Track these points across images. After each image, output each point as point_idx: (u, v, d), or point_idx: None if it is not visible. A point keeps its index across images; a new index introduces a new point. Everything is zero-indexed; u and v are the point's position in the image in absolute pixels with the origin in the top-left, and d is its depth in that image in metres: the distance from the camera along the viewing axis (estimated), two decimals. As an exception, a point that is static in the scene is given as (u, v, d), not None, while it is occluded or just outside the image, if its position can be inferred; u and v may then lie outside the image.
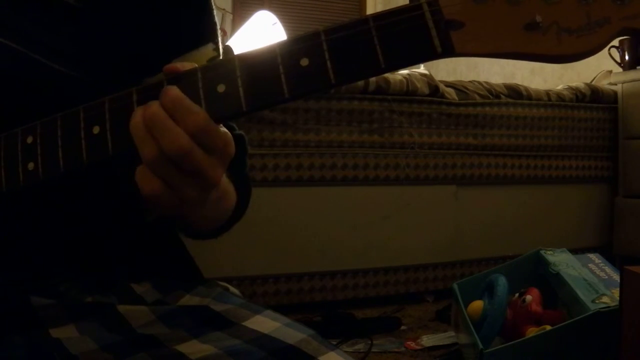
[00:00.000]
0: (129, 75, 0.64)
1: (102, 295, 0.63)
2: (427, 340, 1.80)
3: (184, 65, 0.49)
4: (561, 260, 1.66)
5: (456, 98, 2.36)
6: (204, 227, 0.66)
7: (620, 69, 2.82)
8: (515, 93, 2.52)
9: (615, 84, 2.76)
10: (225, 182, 0.62)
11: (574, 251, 1.77)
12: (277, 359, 0.56)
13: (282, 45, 0.47)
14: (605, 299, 1.40)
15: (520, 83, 2.70)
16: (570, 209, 2.66)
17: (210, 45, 0.70)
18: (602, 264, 1.66)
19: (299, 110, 2.08)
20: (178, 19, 0.69)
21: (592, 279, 1.54)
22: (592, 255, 1.72)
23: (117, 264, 0.67)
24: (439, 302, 2.20)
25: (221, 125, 0.49)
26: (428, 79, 2.31)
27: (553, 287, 1.61)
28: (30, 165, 0.53)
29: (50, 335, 0.59)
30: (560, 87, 2.82)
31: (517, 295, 1.59)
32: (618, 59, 2.81)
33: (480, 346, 1.34)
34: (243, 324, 0.61)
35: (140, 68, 0.65)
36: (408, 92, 2.24)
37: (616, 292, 1.34)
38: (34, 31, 0.62)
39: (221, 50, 0.72)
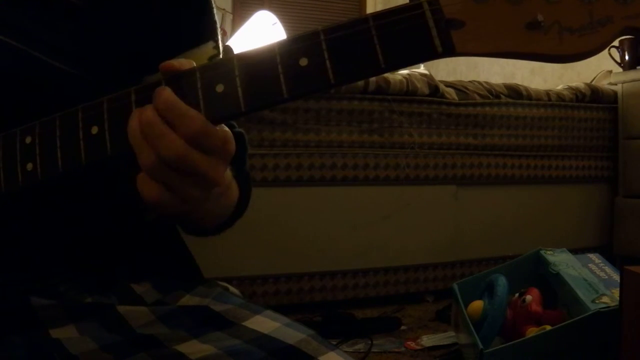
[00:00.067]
0: (129, 73, 0.64)
1: (102, 296, 0.63)
2: (427, 340, 1.80)
3: (180, 62, 0.49)
4: (561, 260, 1.66)
5: (456, 98, 2.35)
6: (207, 223, 0.66)
7: (620, 69, 2.82)
8: (515, 93, 2.52)
9: (615, 84, 2.76)
10: (228, 177, 0.62)
11: (574, 251, 1.77)
12: (277, 359, 0.56)
13: (281, 45, 0.46)
14: (605, 299, 1.40)
15: (520, 83, 2.70)
16: (570, 209, 2.66)
17: (211, 44, 0.70)
18: (602, 264, 1.66)
19: (299, 110, 2.08)
20: (178, 17, 0.69)
21: (592, 279, 1.54)
22: (592, 255, 1.72)
23: (117, 264, 0.67)
24: (439, 302, 2.20)
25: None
26: (428, 79, 2.31)
27: (553, 287, 1.61)
28: (29, 166, 0.53)
29: (50, 335, 0.59)
30: (560, 87, 2.82)
31: (517, 295, 1.59)
32: (618, 59, 2.81)
33: (480, 346, 1.34)
34: (243, 324, 0.61)
35: (140, 66, 0.65)
36: (408, 92, 2.24)
37: (616, 292, 1.34)
38: (34, 29, 0.62)
39: (221, 49, 0.72)
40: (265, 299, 2.02)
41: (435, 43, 0.44)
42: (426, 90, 2.28)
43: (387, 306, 2.18)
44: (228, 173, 0.61)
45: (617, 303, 1.24)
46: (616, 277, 1.54)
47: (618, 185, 2.71)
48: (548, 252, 1.72)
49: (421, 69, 2.61)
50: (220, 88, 0.47)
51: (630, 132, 2.66)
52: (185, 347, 0.58)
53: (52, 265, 0.63)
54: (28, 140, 0.53)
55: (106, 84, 0.60)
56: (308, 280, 2.11)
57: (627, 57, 2.77)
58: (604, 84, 2.87)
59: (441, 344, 1.76)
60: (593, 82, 2.91)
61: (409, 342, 1.78)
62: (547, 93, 2.61)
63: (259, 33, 3.18)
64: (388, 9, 0.44)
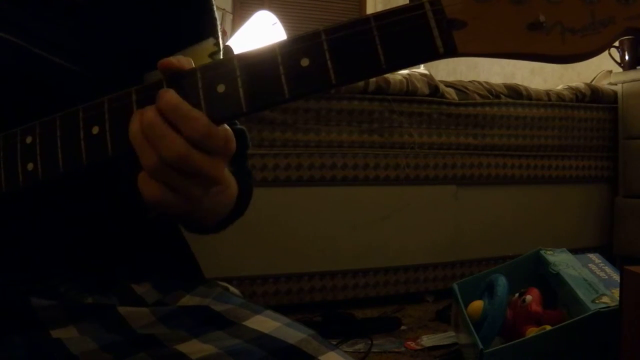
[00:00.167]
0: (129, 70, 0.64)
1: (103, 296, 0.63)
2: (427, 340, 1.80)
3: (179, 60, 0.49)
4: (561, 260, 1.66)
5: (456, 98, 2.35)
6: (207, 221, 0.66)
7: (620, 69, 2.82)
8: (515, 93, 2.52)
9: (615, 84, 2.76)
10: (226, 175, 0.62)
11: (574, 251, 1.77)
12: (277, 358, 0.56)
13: (282, 45, 0.46)
14: (605, 299, 1.40)
15: (520, 83, 2.70)
16: (570, 209, 2.66)
17: (211, 40, 0.70)
18: (602, 264, 1.66)
19: (299, 110, 2.08)
20: (178, 13, 0.69)
21: (592, 279, 1.54)
22: (592, 255, 1.72)
23: (118, 264, 0.67)
24: (439, 302, 2.20)
25: None
26: (428, 79, 2.31)
27: (553, 287, 1.61)
28: (30, 166, 0.52)
29: (50, 336, 0.59)
30: (560, 87, 2.82)
31: (517, 295, 1.59)
32: (618, 59, 2.81)
33: (480, 346, 1.34)
34: (243, 323, 0.61)
35: (140, 63, 0.65)
36: (408, 92, 2.24)
37: (616, 292, 1.34)
38: (35, 26, 0.62)
39: (222, 46, 0.72)
40: (265, 299, 2.02)
41: (437, 43, 0.43)
42: (426, 90, 2.28)
43: (387, 306, 2.18)
44: (226, 170, 0.61)
45: (617, 303, 1.24)
46: (616, 277, 1.54)
47: (618, 185, 2.71)
48: (548, 252, 1.72)
49: (421, 69, 2.61)
50: (221, 88, 0.47)
51: (630, 132, 2.66)
52: (185, 347, 0.58)
53: (52, 266, 0.63)
54: (29, 140, 0.53)
55: (106, 81, 0.60)
56: (308, 280, 2.11)
57: (627, 57, 2.77)
58: (604, 84, 2.87)
59: (441, 344, 1.76)
60: (593, 82, 2.91)
61: (409, 342, 1.78)
62: (547, 93, 2.61)
63: (259, 33, 3.18)
64: (389, 9, 0.44)
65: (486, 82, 2.54)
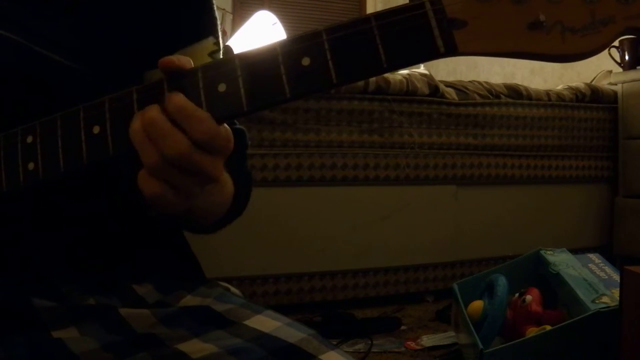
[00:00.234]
0: (129, 68, 0.64)
1: (104, 297, 0.63)
2: (427, 340, 1.80)
3: (179, 59, 0.49)
4: (561, 260, 1.66)
5: (456, 98, 2.35)
6: (203, 220, 0.66)
7: (620, 69, 2.82)
8: (515, 93, 2.52)
9: (615, 84, 2.76)
10: (223, 174, 0.62)
11: (574, 251, 1.77)
12: (278, 357, 0.56)
13: (283, 45, 0.46)
14: (605, 299, 1.40)
15: (520, 83, 2.70)
16: (570, 209, 2.66)
17: (211, 39, 0.70)
18: (602, 264, 1.66)
19: (299, 110, 2.08)
20: (178, 12, 0.69)
21: (592, 279, 1.54)
22: (592, 255, 1.72)
23: (119, 263, 0.67)
24: (439, 302, 2.20)
25: None
26: (428, 79, 2.31)
27: (553, 287, 1.61)
28: (31, 165, 0.52)
29: (51, 336, 0.59)
30: (560, 87, 2.82)
31: (517, 295, 1.59)
32: (618, 59, 2.81)
33: (480, 346, 1.34)
34: (244, 323, 0.61)
35: (140, 61, 0.65)
36: (408, 92, 2.24)
37: (616, 292, 1.34)
38: (35, 23, 0.62)
39: (222, 45, 0.72)
40: (265, 299, 2.02)
41: (437, 43, 0.43)
42: (426, 90, 2.28)
43: (387, 306, 2.18)
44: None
45: (617, 303, 1.24)
46: (616, 277, 1.54)
47: (618, 185, 2.71)
48: (548, 252, 1.72)
49: (421, 69, 2.61)
50: (222, 87, 0.47)
51: (630, 132, 2.66)
52: (186, 346, 0.58)
53: (52, 265, 0.63)
54: (29, 139, 0.53)
55: (106, 79, 0.60)
56: (308, 280, 2.11)
57: (627, 57, 2.77)
58: (604, 84, 2.87)
59: (441, 344, 1.76)
60: (593, 82, 2.91)
61: (409, 342, 1.78)
62: (547, 93, 2.61)
63: (259, 33, 3.18)
64: (390, 8, 0.44)
65: (486, 82, 2.55)
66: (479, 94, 2.42)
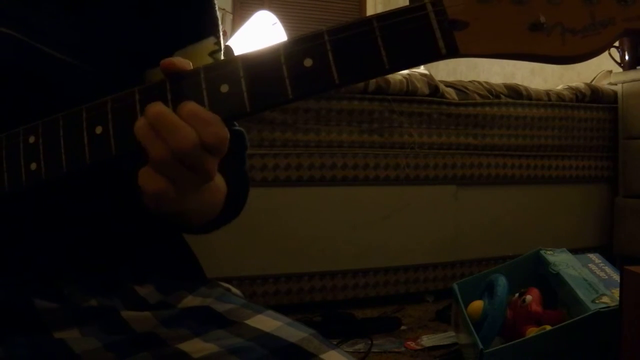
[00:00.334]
0: (129, 67, 0.64)
1: (106, 298, 0.63)
2: (427, 340, 1.80)
3: (180, 60, 0.49)
4: (561, 260, 1.66)
5: (456, 98, 2.36)
6: (195, 220, 0.66)
7: (620, 69, 2.82)
8: (515, 93, 2.52)
9: (615, 84, 2.76)
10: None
11: (574, 251, 1.77)
12: (278, 356, 0.56)
13: (285, 46, 0.47)
14: (605, 299, 1.40)
15: (520, 83, 2.70)
16: (570, 209, 2.66)
17: (212, 39, 0.70)
18: (602, 264, 1.67)
19: (299, 110, 2.08)
20: (179, 12, 0.69)
21: (592, 279, 1.54)
22: (592, 255, 1.72)
23: (121, 263, 0.67)
24: (439, 302, 2.20)
25: None
26: (428, 79, 2.31)
27: (553, 287, 1.62)
28: (33, 166, 0.53)
29: (53, 337, 0.59)
30: (560, 87, 2.82)
31: (517, 295, 1.59)
32: (618, 59, 2.81)
33: (480, 346, 1.34)
34: (245, 322, 0.61)
35: (141, 60, 0.65)
36: (408, 92, 2.24)
37: (616, 292, 1.34)
38: (35, 20, 0.62)
39: (222, 45, 0.72)
40: (265, 299, 2.02)
41: (439, 44, 0.44)
42: (426, 90, 2.28)
43: (387, 306, 2.18)
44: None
45: (617, 303, 1.24)
46: (616, 277, 1.54)
47: (618, 185, 2.71)
48: (548, 252, 1.72)
49: (421, 69, 2.61)
50: (225, 88, 0.47)
51: (630, 132, 2.66)
52: (187, 346, 0.58)
53: (54, 265, 0.63)
54: (31, 140, 0.53)
55: (107, 77, 0.60)
56: (308, 280, 2.11)
57: (627, 57, 2.77)
58: (604, 84, 2.87)
59: (441, 344, 1.77)
60: (593, 82, 2.91)
61: (409, 342, 1.78)
62: (547, 93, 2.61)
63: (259, 33, 3.18)
64: (392, 10, 0.45)
65: (486, 82, 2.55)
66: (479, 94, 2.42)
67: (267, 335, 0.59)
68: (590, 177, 2.70)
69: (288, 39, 0.47)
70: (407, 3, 0.45)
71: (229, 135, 0.49)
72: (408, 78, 2.25)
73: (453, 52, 0.44)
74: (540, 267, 1.71)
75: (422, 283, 2.31)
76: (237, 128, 0.73)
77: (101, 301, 0.63)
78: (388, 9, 0.46)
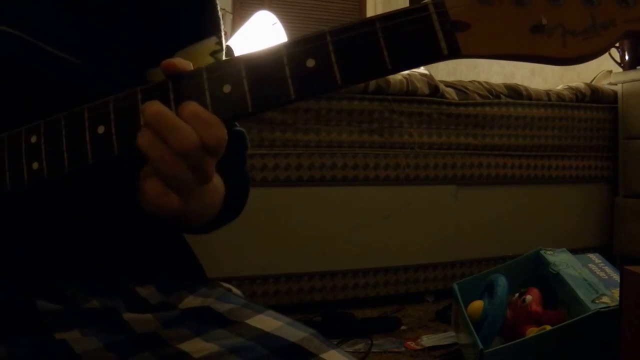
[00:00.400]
0: (130, 66, 0.64)
1: (107, 298, 0.63)
2: (427, 340, 1.80)
3: (180, 61, 0.49)
4: (561, 260, 1.66)
5: (456, 98, 2.36)
6: (193, 220, 0.66)
7: (620, 69, 2.82)
8: (515, 93, 2.52)
9: (615, 84, 2.76)
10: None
11: (574, 251, 1.77)
12: (279, 356, 0.56)
13: (288, 46, 0.47)
14: (605, 299, 1.40)
15: (520, 83, 2.70)
16: (570, 209, 2.66)
17: (214, 39, 0.70)
18: (602, 264, 1.67)
19: (299, 110, 2.08)
20: (179, 12, 0.69)
21: (592, 279, 1.54)
22: (592, 255, 1.72)
23: (122, 263, 0.67)
24: (439, 302, 2.20)
25: None
26: (428, 79, 2.31)
27: (553, 287, 1.62)
28: (35, 165, 0.53)
29: (54, 337, 0.59)
30: (560, 87, 2.82)
31: (517, 295, 1.59)
32: (618, 59, 2.81)
33: (480, 346, 1.34)
34: (245, 322, 0.61)
35: (141, 59, 0.65)
36: (408, 92, 2.24)
37: (616, 292, 1.34)
38: (37, 19, 0.62)
39: (224, 45, 0.72)
40: (265, 299, 2.02)
41: (441, 45, 0.44)
42: (426, 90, 2.28)
43: (387, 306, 2.18)
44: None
45: (617, 303, 1.24)
46: (616, 277, 1.54)
47: (618, 185, 2.71)
48: (548, 252, 1.72)
49: (421, 69, 2.61)
50: (227, 88, 0.47)
51: (630, 132, 2.66)
52: (188, 346, 0.58)
53: (56, 266, 0.63)
54: (33, 139, 0.53)
55: (108, 76, 0.60)
56: (308, 280, 2.12)
57: (627, 57, 2.77)
58: (604, 84, 2.88)
59: (441, 344, 1.77)
60: (593, 82, 2.91)
61: (409, 342, 1.78)
62: (547, 93, 2.61)
63: (259, 33, 3.18)
64: (394, 11, 0.45)
65: (486, 82, 2.55)
66: (479, 94, 2.42)
67: (268, 335, 0.59)
68: (590, 177, 2.70)
69: (290, 40, 0.47)
70: (406, 3, 0.45)
71: (227, 137, 0.49)
72: (408, 78, 2.25)
73: (455, 53, 0.44)
74: (540, 267, 1.71)
75: (422, 283, 2.31)
76: (237, 128, 0.73)
77: (103, 302, 0.63)
78: (388, 9, 0.46)
